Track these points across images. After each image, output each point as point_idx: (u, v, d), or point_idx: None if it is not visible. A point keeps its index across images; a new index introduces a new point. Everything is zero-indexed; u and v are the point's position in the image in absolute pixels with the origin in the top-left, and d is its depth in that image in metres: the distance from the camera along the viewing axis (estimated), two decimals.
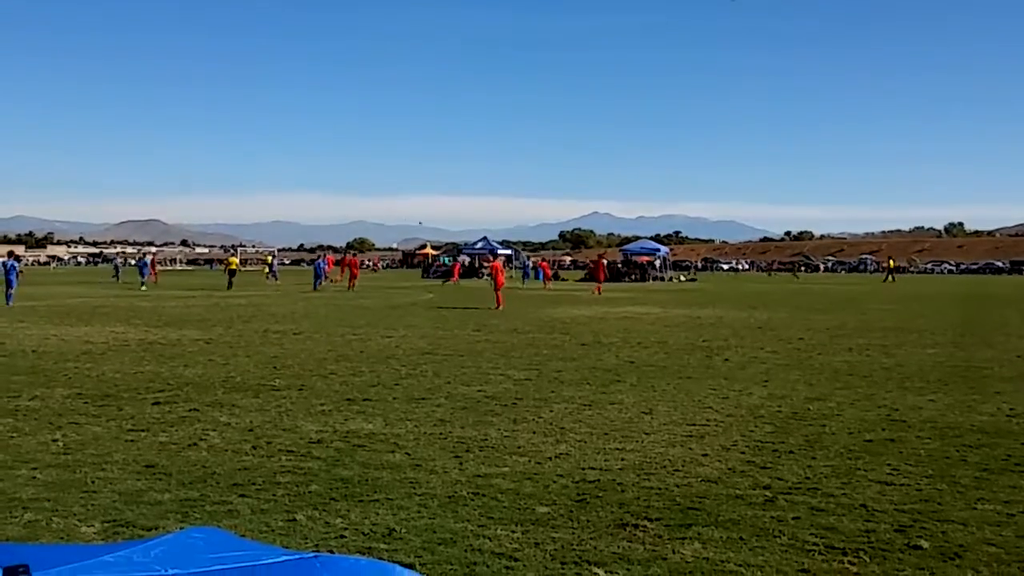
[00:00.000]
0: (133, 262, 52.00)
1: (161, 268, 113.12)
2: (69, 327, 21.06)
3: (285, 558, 2.17)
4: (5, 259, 31.44)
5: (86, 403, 10.49)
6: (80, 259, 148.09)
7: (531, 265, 63.21)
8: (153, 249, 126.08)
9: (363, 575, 2.20)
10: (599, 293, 39.75)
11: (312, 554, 2.21)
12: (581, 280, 59.67)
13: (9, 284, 30.13)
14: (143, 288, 43.81)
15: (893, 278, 63.57)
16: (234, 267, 50.21)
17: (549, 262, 75.03)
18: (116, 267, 60.22)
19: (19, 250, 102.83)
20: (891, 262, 68.82)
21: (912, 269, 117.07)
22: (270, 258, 70.11)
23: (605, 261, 47.64)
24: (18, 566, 1.90)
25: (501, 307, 28.99)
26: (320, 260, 48.95)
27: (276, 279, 57.59)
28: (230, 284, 45.66)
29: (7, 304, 29.26)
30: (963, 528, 5.86)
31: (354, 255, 62.46)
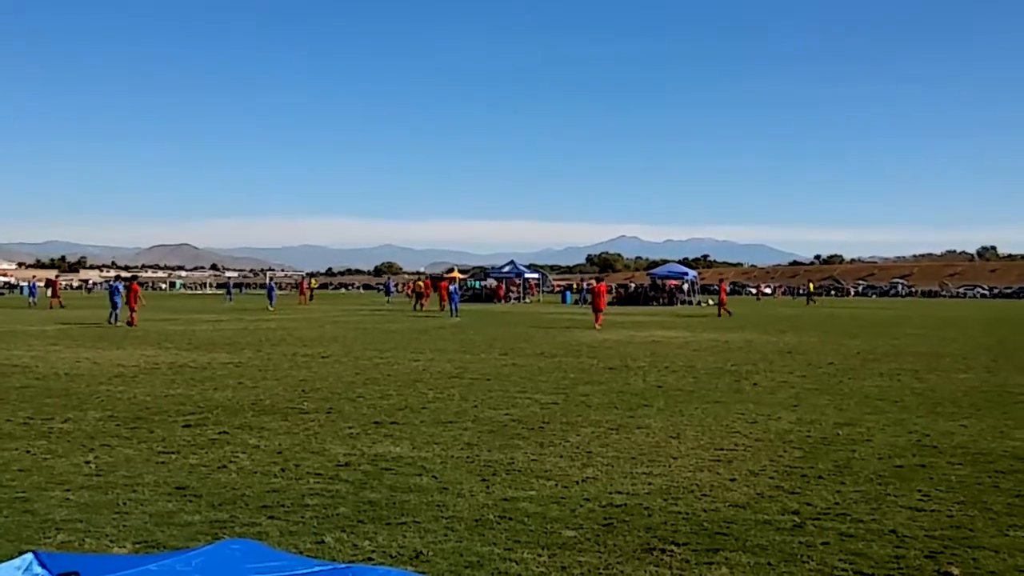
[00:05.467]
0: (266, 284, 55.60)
1: (191, 292, 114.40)
2: (101, 350, 21.33)
3: (319, 569, 2.25)
4: (112, 282, 34.33)
5: (118, 425, 10.62)
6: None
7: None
8: (304, 272, 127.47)
9: None
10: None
11: (345, 565, 2.27)
12: (611, 304, 59.55)
13: (114, 305, 33.25)
14: (270, 308, 48.63)
15: (814, 301, 65.79)
16: (420, 290, 55.51)
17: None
18: (275, 289, 57.57)
19: (51, 275, 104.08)
20: (811, 286, 73.18)
21: (944, 293, 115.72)
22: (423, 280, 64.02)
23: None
24: (69, 573, 2.01)
25: (598, 326, 31.63)
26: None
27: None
28: (418, 306, 51.47)
29: (110, 323, 32.18)
30: (994, 555, 5.80)
31: (442, 279, 64.42)
